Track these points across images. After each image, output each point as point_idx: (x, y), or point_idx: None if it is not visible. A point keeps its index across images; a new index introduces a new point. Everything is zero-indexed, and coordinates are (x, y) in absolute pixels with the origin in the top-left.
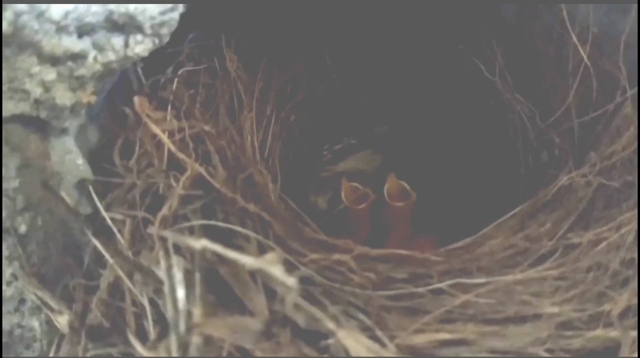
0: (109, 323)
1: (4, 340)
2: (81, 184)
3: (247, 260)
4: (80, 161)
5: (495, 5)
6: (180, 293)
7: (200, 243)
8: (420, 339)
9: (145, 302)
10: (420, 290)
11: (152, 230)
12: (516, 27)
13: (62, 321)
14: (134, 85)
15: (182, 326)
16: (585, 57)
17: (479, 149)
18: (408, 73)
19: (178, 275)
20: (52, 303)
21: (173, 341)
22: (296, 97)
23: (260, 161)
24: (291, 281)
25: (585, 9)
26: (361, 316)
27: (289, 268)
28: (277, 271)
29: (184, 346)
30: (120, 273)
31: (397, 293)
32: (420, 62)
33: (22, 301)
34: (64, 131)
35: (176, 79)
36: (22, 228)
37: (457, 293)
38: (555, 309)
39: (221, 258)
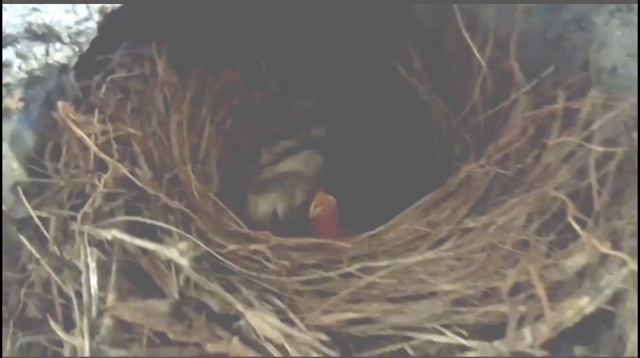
0: (42, 314)
1: None
2: (16, 188)
3: (149, 245)
4: (15, 165)
5: (412, 13)
6: (93, 280)
7: (110, 234)
8: (329, 319)
9: (72, 293)
10: (330, 274)
11: (75, 226)
12: (430, 33)
13: None
14: (67, 91)
15: (93, 310)
16: (481, 60)
17: (406, 145)
18: (340, 78)
19: (91, 264)
20: None
21: (85, 323)
22: (232, 102)
23: (191, 162)
24: (183, 261)
25: (488, 10)
26: (276, 300)
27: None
28: (172, 253)
29: (95, 328)
30: (47, 267)
31: (308, 278)
32: (350, 68)
33: None
34: None
35: (104, 85)
36: None
37: (363, 276)
38: (450, 287)
39: (143, 251)
